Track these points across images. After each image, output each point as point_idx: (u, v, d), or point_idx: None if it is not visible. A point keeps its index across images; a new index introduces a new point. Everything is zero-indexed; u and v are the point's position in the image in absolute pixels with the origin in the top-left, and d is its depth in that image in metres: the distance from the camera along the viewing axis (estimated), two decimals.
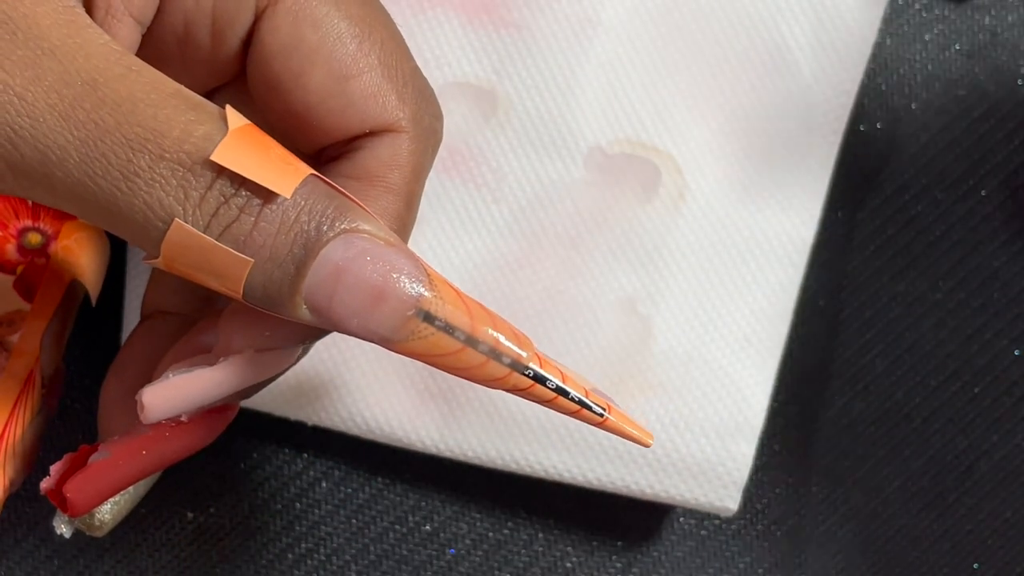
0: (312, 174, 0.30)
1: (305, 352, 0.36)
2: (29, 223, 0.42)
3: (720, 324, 0.46)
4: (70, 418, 0.48)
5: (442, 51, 0.46)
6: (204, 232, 0.29)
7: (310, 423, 0.46)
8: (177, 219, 0.29)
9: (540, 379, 0.32)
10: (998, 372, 0.49)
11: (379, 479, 0.48)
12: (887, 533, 0.49)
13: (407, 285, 0.30)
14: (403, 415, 0.45)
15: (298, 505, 0.48)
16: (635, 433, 0.34)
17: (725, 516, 0.47)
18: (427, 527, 0.48)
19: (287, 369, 0.36)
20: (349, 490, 0.48)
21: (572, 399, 0.33)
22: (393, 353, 0.45)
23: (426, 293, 0.30)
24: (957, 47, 0.51)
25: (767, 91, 0.47)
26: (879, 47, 0.50)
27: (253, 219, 0.29)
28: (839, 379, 0.49)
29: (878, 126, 0.50)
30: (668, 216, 0.46)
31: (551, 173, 0.46)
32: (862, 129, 0.50)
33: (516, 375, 0.32)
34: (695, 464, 0.45)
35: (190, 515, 0.48)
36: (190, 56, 0.35)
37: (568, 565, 0.48)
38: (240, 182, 0.29)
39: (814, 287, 0.49)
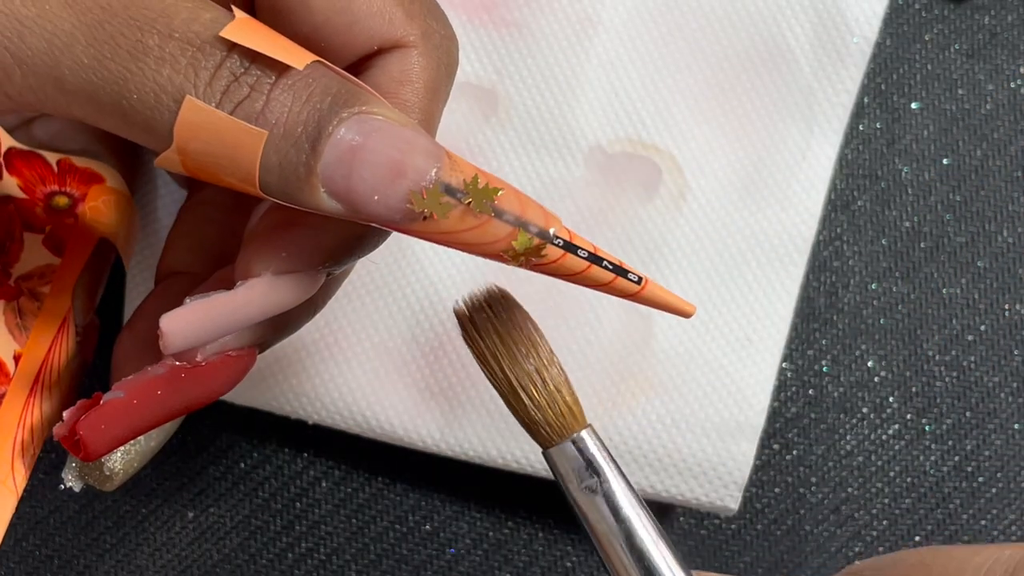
0: (319, 60, 0.30)
1: (327, 298, 0.36)
2: (56, 188, 0.43)
3: (721, 323, 0.46)
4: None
5: None
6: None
7: (311, 421, 0.46)
8: (188, 96, 0.29)
9: (570, 248, 0.31)
10: (1001, 375, 0.49)
11: (379, 479, 0.48)
12: (888, 534, 0.49)
13: (425, 158, 0.30)
14: (403, 413, 0.45)
15: (298, 505, 0.48)
16: (676, 302, 0.32)
17: (725, 515, 0.47)
18: (427, 527, 0.48)
19: (310, 315, 0.35)
20: (349, 490, 0.48)
21: (606, 267, 0.31)
22: (392, 352, 0.46)
23: (446, 166, 0.30)
24: (957, 47, 0.51)
25: (768, 90, 0.47)
26: (879, 47, 0.50)
27: (264, 96, 0.30)
28: (839, 380, 0.49)
29: (878, 126, 0.50)
30: (669, 215, 0.46)
31: (552, 172, 0.46)
32: (862, 129, 0.50)
33: (547, 246, 0.31)
34: (696, 463, 0.45)
35: (190, 515, 0.48)
36: None
37: (568, 565, 0.48)
38: (251, 59, 0.30)
39: (814, 287, 0.49)
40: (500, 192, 0.30)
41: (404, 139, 0.30)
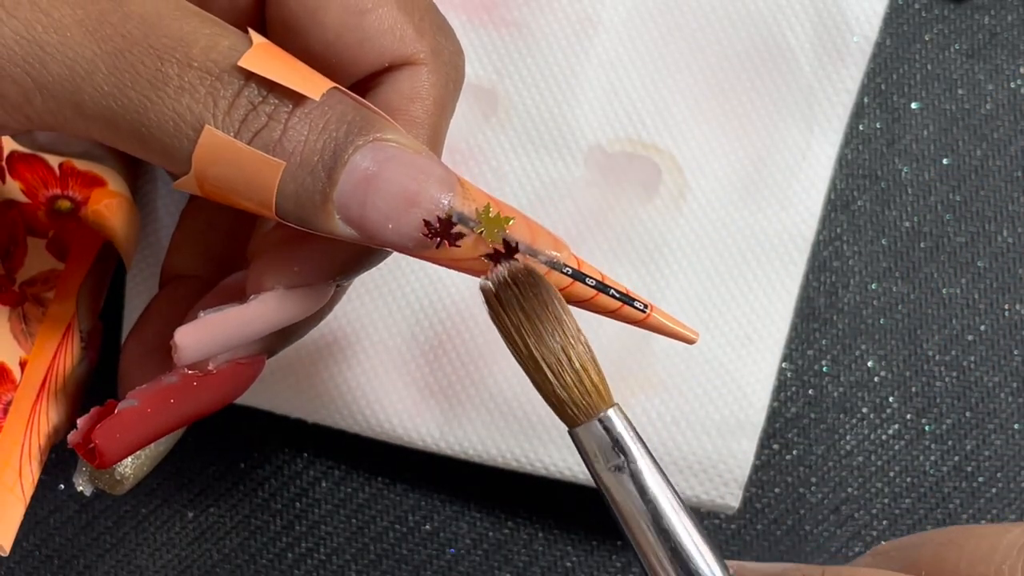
0: (336, 86, 0.31)
1: (333, 304, 0.36)
2: (58, 191, 0.43)
3: (721, 322, 0.46)
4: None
5: None
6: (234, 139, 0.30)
7: (310, 421, 0.46)
8: (207, 125, 0.30)
9: (579, 277, 0.32)
10: (1001, 375, 0.49)
11: (379, 479, 0.48)
12: (887, 534, 0.49)
13: (439, 187, 0.31)
14: (403, 412, 0.45)
15: (298, 505, 0.48)
16: (679, 330, 0.34)
17: (726, 514, 0.47)
18: (427, 526, 0.48)
19: (317, 321, 0.36)
20: (349, 490, 0.48)
21: (613, 295, 0.33)
22: (392, 351, 0.46)
23: (459, 195, 0.31)
24: (957, 47, 0.51)
25: (768, 90, 0.47)
26: (879, 47, 0.50)
27: (282, 126, 0.30)
28: (839, 380, 0.49)
29: (878, 126, 0.50)
30: (669, 215, 0.46)
31: (552, 172, 0.46)
32: (862, 129, 0.50)
33: (554, 274, 0.32)
34: (696, 462, 0.45)
35: (190, 515, 0.48)
36: (210, 2, 0.35)
37: (568, 565, 0.48)
38: (269, 88, 0.30)
39: (814, 287, 0.49)
40: (511, 221, 0.31)
41: (418, 167, 0.31)
